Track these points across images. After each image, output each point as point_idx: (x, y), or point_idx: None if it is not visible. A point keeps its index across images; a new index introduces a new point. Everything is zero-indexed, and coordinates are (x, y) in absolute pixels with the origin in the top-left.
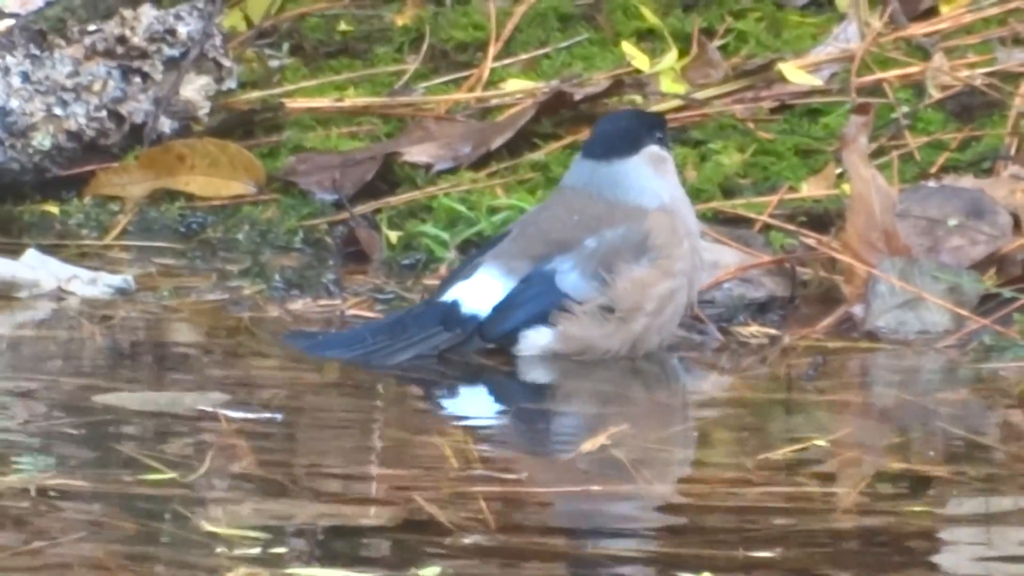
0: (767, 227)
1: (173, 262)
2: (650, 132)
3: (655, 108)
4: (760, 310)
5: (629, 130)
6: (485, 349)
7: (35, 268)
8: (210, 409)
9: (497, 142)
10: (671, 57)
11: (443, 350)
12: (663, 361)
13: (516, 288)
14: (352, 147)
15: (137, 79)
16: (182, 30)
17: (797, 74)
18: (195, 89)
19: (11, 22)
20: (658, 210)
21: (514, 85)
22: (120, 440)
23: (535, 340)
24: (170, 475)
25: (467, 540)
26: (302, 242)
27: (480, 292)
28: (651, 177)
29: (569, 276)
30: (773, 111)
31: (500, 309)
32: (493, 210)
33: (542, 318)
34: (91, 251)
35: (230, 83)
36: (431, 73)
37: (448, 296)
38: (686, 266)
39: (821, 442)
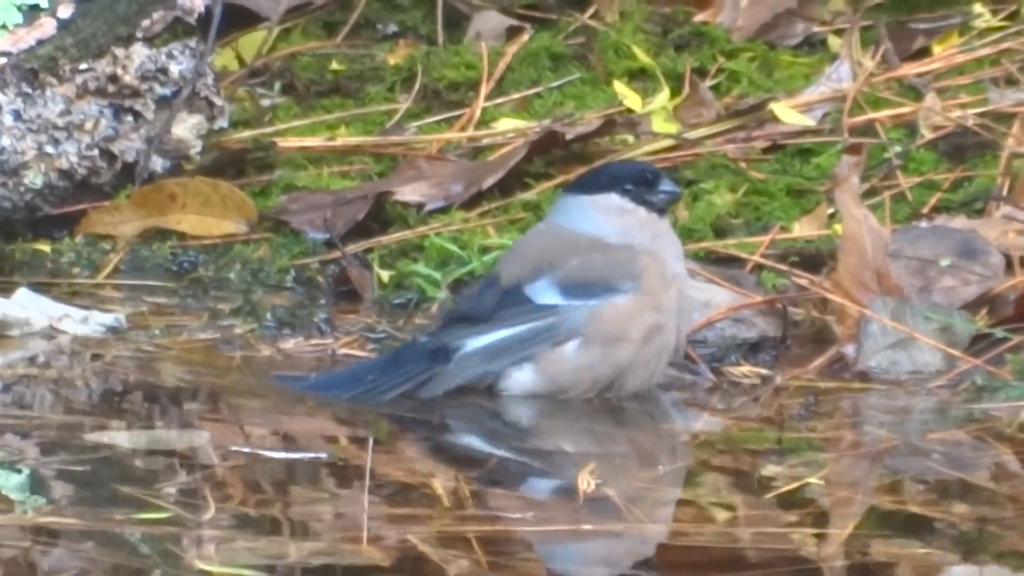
0: (759, 267)
1: (165, 301)
2: (619, 181)
3: (647, 148)
4: (752, 350)
5: (602, 173)
6: (474, 389)
7: (26, 307)
8: (247, 450)
9: (489, 181)
10: (663, 97)
11: (432, 387)
12: (655, 401)
13: (492, 306)
14: (344, 186)
15: (129, 118)
16: (174, 69)
17: (789, 114)
18: (187, 128)
19: (3, 60)
20: (634, 247)
21: (506, 124)
22: (112, 478)
23: (519, 378)
24: (162, 513)
25: None
26: (294, 281)
27: (464, 326)
28: (600, 221)
29: (547, 292)
30: (765, 151)
31: (479, 332)
32: (485, 249)
33: (521, 338)
34: (83, 290)
35: (222, 122)
36: (423, 112)
37: (438, 332)
38: (672, 306)
39: (813, 481)
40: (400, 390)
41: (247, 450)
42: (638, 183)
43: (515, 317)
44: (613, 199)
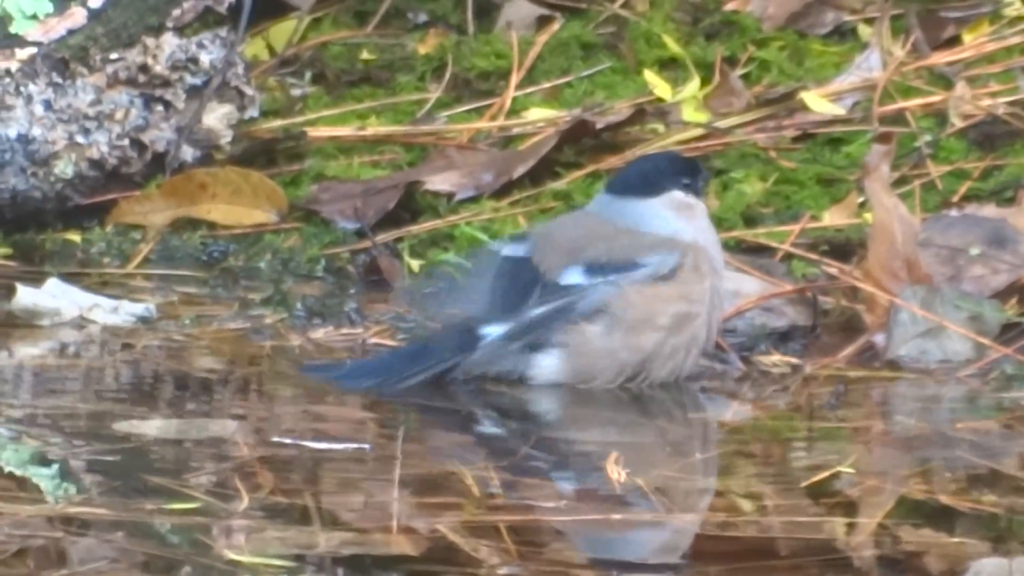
0: (789, 256)
1: (195, 290)
2: (675, 177)
3: (677, 137)
4: (782, 339)
5: (653, 172)
6: (501, 379)
7: (57, 296)
8: (288, 441)
9: (519, 171)
10: (693, 86)
11: (458, 373)
12: (684, 390)
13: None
14: (374, 175)
15: (159, 107)
16: (204, 58)
17: (819, 103)
18: (217, 117)
19: (34, 51)
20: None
21: (536, 114)
22: (142, 468)
23: (546, 366)
24: (192, 503)
25: (489, 569)
26: (324, 270)
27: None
28: (671, 219)
29: (573, 275)
30: (795, 140)
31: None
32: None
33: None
34: (113, 279)
35: (252, 112)
36: (453, 102)
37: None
38: (705, 298)
39: (843, 471)
40: (425, 377)
41: (288, 441)
42: (692, 175)
43: (541, 301)
44: (677, 196)
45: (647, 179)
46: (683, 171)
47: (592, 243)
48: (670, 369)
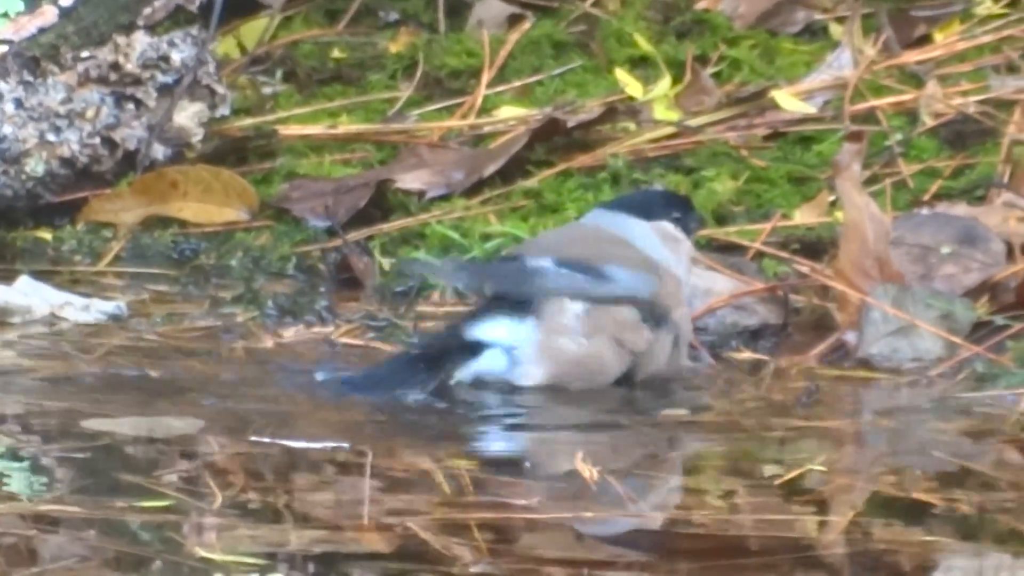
0: (760, 254)
1: (166, 288)
2: (667, 208)
3: (648, 136)
4: (753, 337)
5: (648, 199)
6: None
7: (28, 294)
8: (267, 440)
9: (490, 169)
10: (664, 84)
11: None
12: (655, 387)
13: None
14: (345, 174)
15: (130, 106)
16: (175, 57)
17: (790, 101)
18: (188, 116)
19: (4, 48)
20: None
21: (507, 112)
22: (113, 466)
23: (527, 371)
24: (164, 501)
25: (460, 567)
26: (295, 269)
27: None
28: (659, 246)
29: (543, 261)
30: (766, 138)
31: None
32: (486, 237)
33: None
34: (84, 277)
35: (223, 110)
36: (424, 100)
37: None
38: (678, 316)
39: (814, 468)
40: (432, 383)
41: (267, 440)
42: (684, 212)
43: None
44: (667, 227)
45: (641, 204)
46: (676, 206)
47: (574, 243)
48: (651, 371)
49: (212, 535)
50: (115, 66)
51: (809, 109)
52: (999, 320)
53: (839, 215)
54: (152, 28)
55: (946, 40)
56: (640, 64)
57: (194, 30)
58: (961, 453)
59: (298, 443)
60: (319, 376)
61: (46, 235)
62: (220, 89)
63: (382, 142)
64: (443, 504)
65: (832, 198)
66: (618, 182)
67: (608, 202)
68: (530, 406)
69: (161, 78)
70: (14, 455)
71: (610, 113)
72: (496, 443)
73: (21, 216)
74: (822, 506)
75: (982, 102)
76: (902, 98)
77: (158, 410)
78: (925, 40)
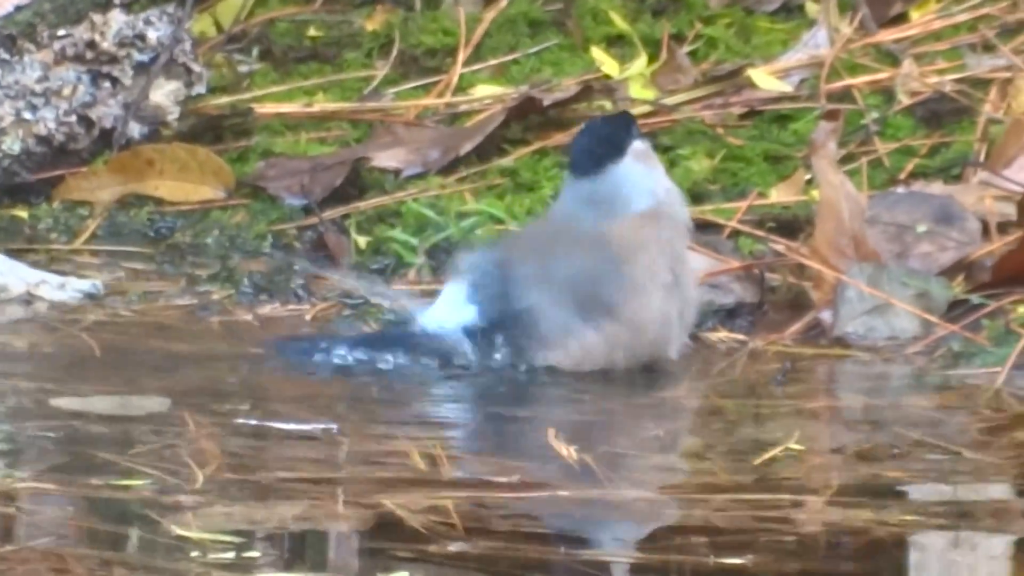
0: (736, 233)
1: (142, 267)
2: (627, 129)
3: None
4: (729, 316)
5: (608, 135)
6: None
7: (3, 273)
8: (254, 422)
9: (466, 147)
10: (640, 63)
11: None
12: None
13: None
14: (321, 152)
15: (107, 84)
16: (152, 35)
17: (766, 80)
18: (164, 94)
19: None
20: (648, 213)
21: (483, 90)
22: (88, 444)
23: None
24: (140, 480)
25: (436, 545)
26: (271, 247)
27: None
28: (644, 173)
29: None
30: (742, 117)
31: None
32: (462, 215)
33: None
34: (60, 256)
35: (200, 88)
36: (400, 78)
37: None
38: (667, 275)
39: (790, 448)
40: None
41: (253, 422)
42: (629, 122)
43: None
44: (639, 146)
45: (608, 143)
46: (627, 123)
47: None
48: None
49: (189, 514)
50: (91, 44)
51: (785, 87)
52: (975, 299)
53: (815, 194)
54: (128, 6)
55: (922, 19)
56: (616, 42)
57: (170, 8)
58: (937, 432)
59: (287, 425)
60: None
61: (22, 213)
62: (196, 67)
63: (358, 120)
64: (419, 482)
65: (808, 177)
66: None
67: (581, 165)
68: (506, 384)
69: (137, 56)
70: None
71: (586, 92)
72: (472, 420)
73: None
74: (796, 485)
75: (958, 81)
76: (878, 77)
77: (132, 388)
78: (901, 19)
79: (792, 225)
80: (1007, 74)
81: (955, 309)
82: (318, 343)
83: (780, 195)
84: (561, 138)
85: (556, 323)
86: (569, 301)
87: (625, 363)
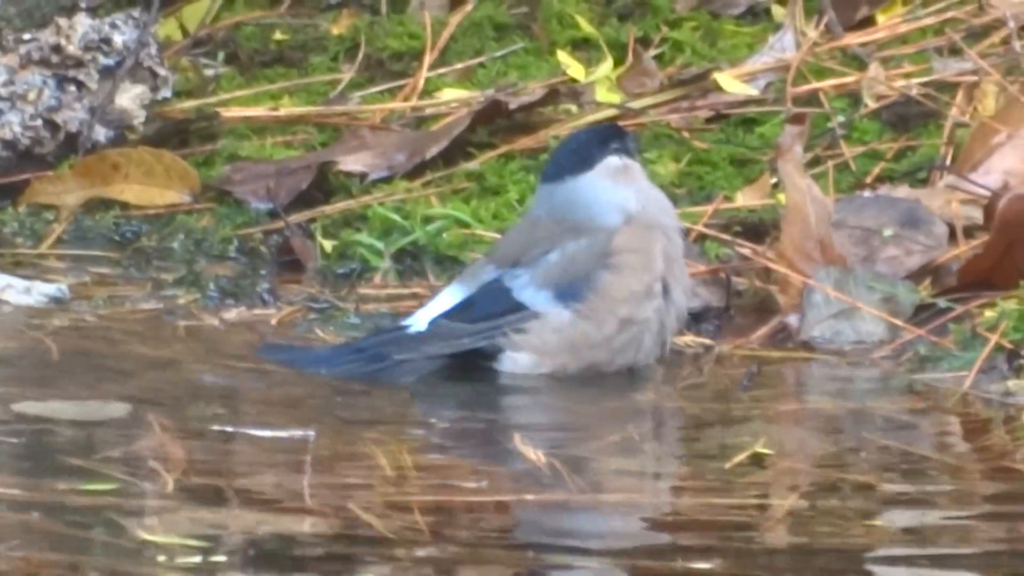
0: (702, 237)
1: (108, 271)
2: (603, 144)
3: (590, 118)
4: (695, 320)
5: (580, 146)
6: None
7: None
8: (230, 429)
9: (432, 151)
10: (606, 66)
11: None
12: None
13: (465, 300)
14: (287, 156)
15: (72, 88)
16: (117, 39)
17: (733, 83)
18: (130, 98)
19: None
20: (624, 224)
21: (449, 94)
22: (54, 449)
23: (516, 360)
24: (105, 484)
25: (402, 549)
26: (237, 251)
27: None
28: (610, 190)
29: (527, 288)
30: (708, 120)
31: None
32: (428, 219)
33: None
34: (26, 260)
35: (165, 92)
36: (366, 82)
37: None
38: (657, 275)
39: (757, 452)
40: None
41: (229, 429)
42: (619, 139)
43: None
44: (613, 162)
45: (577, 154)
46: (610, 138)
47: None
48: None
49: (154, 518)
50: (57, 48)
51: (751, 91)
52: (941, 303)
53: (781, 197)
54: (94, 10)
55: (889, 22)
56: (582, 46)
57: (136, 12)
58: (903, 435)
59: (262, 432)
60: (262, 351)
61: None
62: (162, 71)
63: (324, 124)
64: (385, 487)
65: (774, 180)
66: None
67: (545, 172)
68: (474, 392)
69: (103, 60)
70: None
71: (552, 95)
72: (438, 425)
73: None
74: (763, 489)
75: (925, 84)
76: (844, 80)
77: (97, 392)
78: (867, 22)
79: (758, 229)
80: (973, 78)
81: (921, 313)
82: (308, 352)
83: (746, 199)
84: (527, 142)
85: (536, 308)
86: (551, 286)
87: (603, 364)
